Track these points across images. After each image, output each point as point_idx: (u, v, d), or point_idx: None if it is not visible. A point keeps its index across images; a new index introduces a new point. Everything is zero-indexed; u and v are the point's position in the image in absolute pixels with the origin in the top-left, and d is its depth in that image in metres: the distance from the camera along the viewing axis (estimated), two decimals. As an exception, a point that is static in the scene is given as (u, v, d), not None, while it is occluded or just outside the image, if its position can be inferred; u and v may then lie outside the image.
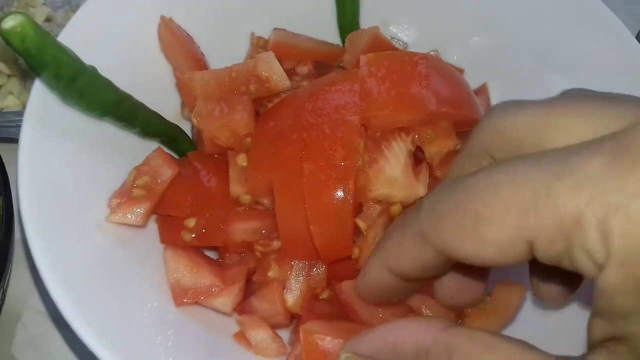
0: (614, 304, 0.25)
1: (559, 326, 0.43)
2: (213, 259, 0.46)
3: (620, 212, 0.23)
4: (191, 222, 0.44)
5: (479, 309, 0.43)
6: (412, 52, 0.46)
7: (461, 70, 0.54)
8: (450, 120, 0.44)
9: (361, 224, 0.41)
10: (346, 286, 0.41)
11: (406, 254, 0.33)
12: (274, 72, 0.46)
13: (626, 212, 0.23)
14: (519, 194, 0.26)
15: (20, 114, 0.45)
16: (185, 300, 0.42)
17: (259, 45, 0.52)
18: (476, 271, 0.37)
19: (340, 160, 0.41)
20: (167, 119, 0.48)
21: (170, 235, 0.44)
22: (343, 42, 0.55)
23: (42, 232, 0.38)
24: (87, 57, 0.40)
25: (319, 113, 0.43)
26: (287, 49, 0.51)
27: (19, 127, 0.40)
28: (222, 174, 0.45)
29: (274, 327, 0.42)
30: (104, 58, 0.43)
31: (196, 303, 0.43)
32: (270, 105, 0.47)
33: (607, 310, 0.26)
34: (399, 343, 0.31)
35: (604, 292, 0.25)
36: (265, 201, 0.44)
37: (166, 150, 0.47)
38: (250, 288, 0.45)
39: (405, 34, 0.57)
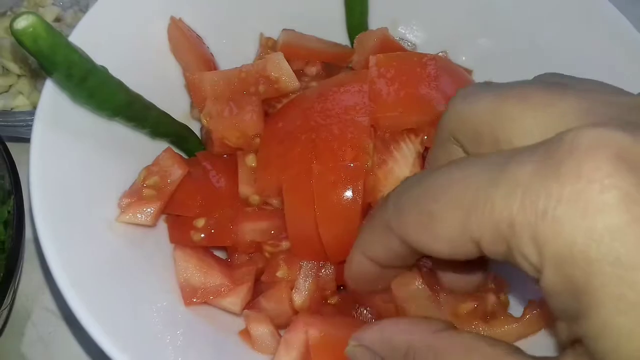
0: (558, 306, 0.26)
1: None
2: (222, 259, 0.46)
3: (547, 216, 0.24)
4: (200, 222, 0.44)
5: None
6: (421, 53, 0.46)
7: (469, 71, 0.54)
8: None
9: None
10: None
11: (377, 244, 0.34)
12: (283, 72, 0.46)
13: (552, 216, 0.24)
14: (464, 196, 0.27)
15: (31, 113, 0.45)
16: (194, 299, 0.42)
17: (268, 46, 0.52)
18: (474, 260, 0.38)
19: (350, 161, 0.41)
20: (177, 119, 0.48)
21: (180, 235, 0.45)
22: (352, 43, 0.55)
23: (54, 232, 0.38)
24: (98, 57, 0.40)
25: (328, 114, 0.43)
26: (296, 49, 0.51)
27: (29, 126, 0.41)
28: (231, 174, 0.45)
29: (280, 327, 0.43)
30: (114, 58, 0.43)
31: (205, 303, 0.43)
32: (279, 105, 0.47)
33: (557, 311, 0.26)
34: (394, 339, 0.33)
35: (547, 295, 0.26)
36: (274, 201, 0.44)
37: (176, 150, 0.47)
38: (258, 288, 0.45)
39: (414, 34, 0.57)
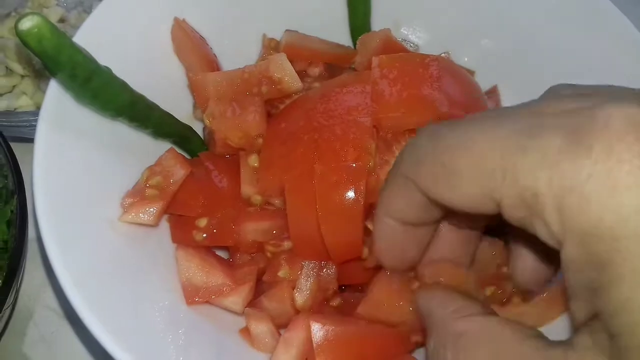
0: (576, 279, 0.26)
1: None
2: (224, 259, 0.46)
3: (575, 192, 0.25)
4: (203, 222, 0.44)
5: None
6: (424, 54, 0.46)
7: (472, 72, 0.54)
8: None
9: (371, 226, 0.41)
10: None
11: (399, 197, 0.34)
12: (285, 73, 0.46)
13: (580, 192, 0.25)
14: (488, 158, 0.28)
15: (34, 114, 0.46)
16: (196, 299, 0.43)
17: (271, 46, 0.53)
18: (546, 257, 0.38)
19: (352, 162, 0.41)
20: (180, 119, 0.48)
21: (182, 234, 0.45)
22: (354, 44, 0.55)
23: (57, 231, 0.38)
24: (101, 58, 0.40)
25: (330, 114, 0.43)
26: (298, 50, 0.51)
27: (32, 127, 0.41)
28: (233, 175, 0.46)
29: (281, 326, 0.43)
30: (118, 59, 0.43)
31: (207, 302, 0.43)
32: (282, 106, 0.48)
33: (575, 286, 0.27)
34: (433, 311, 0.35)
35: (567, 267, 0.27)
36: (276, 202, 0.44)
37: (178, 150, 0.47)
38: (260, 288, 0.45)
39: (417, 35, 0.57)
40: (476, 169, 0.28)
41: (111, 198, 0.43)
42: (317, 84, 0.49)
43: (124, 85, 0.42)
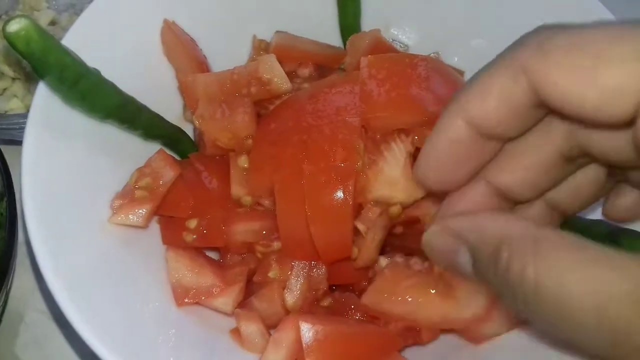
0: None
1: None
2: (214, 260, 0.46)
3: None
4: (193, 223, 0.44)
5: None
6: (412, 54, 0.46)
7: (462, 72, 0.54)
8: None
9: (360, 226, 0.41)
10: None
11: (494, 94, 0.29)
12: (275, 74, 0.46)
13: None
14: None
15: (24, 116, 0.45)
16: (186, 300, 0.43)
17: (260, 48, 0.53)
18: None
19: (340, 162, 0.41)
20: (170, 121, 0.48)
21: (172, 236, 0.45)
22: (345, 45, 0.55)
23: (45, 234, 0.38)
24: (91, 59, 0.40)
25: (319, 115, 0.43)
26: (288, 51, 0.51)
27: (23, 129, 0.41)
28: (223, 176, 0.46)
29: (272, 327, 0.43)
30: (108, 61, 0.44)
31: (197, 303, 0.43)
32: (271, 107, 0.48)
33: None
34: (488, 227, 0.29)
35: None
36: (266, 202, 0.44)
37: (168, 152, 0.47)
38: (251, 288, 0.45)
39: (407, 36, 0.57)
40: (633, 61, 0.25)
41: (101, 200, 0.43)
42: (306, 85, 0.49)
43: (112, 87, 0.42)
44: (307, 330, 0.39)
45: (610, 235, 0.42)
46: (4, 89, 0.61)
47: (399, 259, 0.43)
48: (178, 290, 0.43)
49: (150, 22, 0.49)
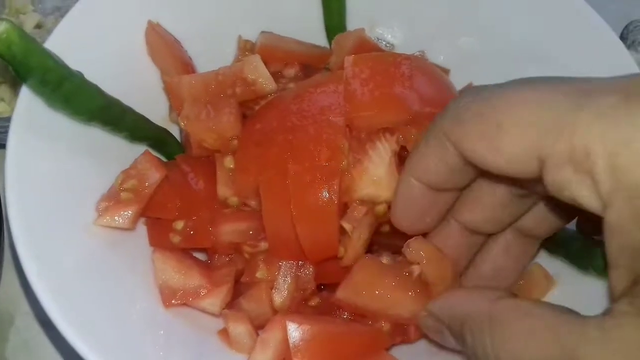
0: (621, 242, 0.26)
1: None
2: (202, 261, 0.46)
3: (631, 146, 0.25)
4: (179, 225, 0.44)
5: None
6: (396, 53, 0.46)
7: (447, 71, 0.54)
8: (434, 120, 0.44)
9: (346, 225, 0.41)
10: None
11: (431, 158, 0.35)
12: (259, 75, 0.46)
13: (635, 147, 0.25)
14: (542, 115, 0.28)
15: (9, 119, 0.45)
16: (174, 301, 0.43)
17: (246, 48, 0.53)
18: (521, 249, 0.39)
19: (325, 161, 0.41)
20: (156, 122, 0.48)
21: (159, 237, 0.45)
22: (330, 44, 0.55)
23: (30, 237, 0.38)
24: (75, 62, 0.40)
25: (304, 115, 0.43)
26: (274, 51, 0.51)
27: (7, 132, 0.41)
28: (209, 177, 0.46)
29: (260, 328, 0.43)
30: (92, 63, 0.44)
31: (185, 304, 0.43)
32: (257, 107, 0.48)
33: (616, 252, 0.27)
34: (454, 308, 0.34)
35: (611, 231, 0.26)
36: (253, 202, 0.45)
37: (154, 153, 0.47)
38: (239, 289, 0.45)
39: (392, 35, 0.57)
40: (528, 127, 0.28)
41: (86, 202, 0.43)
42: (292, 85, 0.49)
43: (96, 89, 0.42)
44: (294, 330, 0.39)
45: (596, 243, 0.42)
46: (-9, 93, 0.61)
47: (385, 257, 0.43)
48: (165, 291, 0.43)
49: (134, 23, 0.49)
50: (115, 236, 0.43)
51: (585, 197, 0.27)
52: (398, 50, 0.56)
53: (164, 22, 0.50)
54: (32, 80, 0.39)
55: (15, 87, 0.61)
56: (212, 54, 0.52)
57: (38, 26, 0.64)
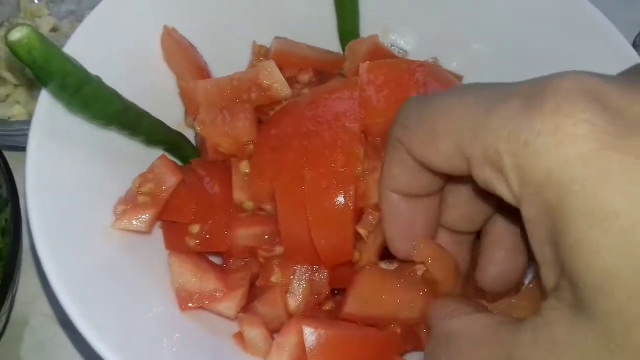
0: (539, 237, 0.28)
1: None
2: (217, 265, 0.47)
3: (529, 146, 0.27)
4: (195, 228, 0.45)
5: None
6: (410, 60, 0.46)
7: (460, 77, 0.55)
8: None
9: (361, 230, 0.42)
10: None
11: (393, 163, 0.38)
12: (275, 80, 0.47)
13: (533, 146, 0.27)
14: (462, 119, 0.31)
15: (27, 122, 0.46)
16: (190, 304, 0.43)
17: (260, 53, 0.53)
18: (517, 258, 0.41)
19: (341, 167, 0.41)
20: (171, 126, 0.49)
21: (175, 241, 0.45)
22: (344, 50, 0.55)
23: (50, 239, 0.38)
24: (92, 66, 0.41)
25: (319, 120, 0.44)
26: (288, 57, 0.52)
27: (26, 135, 0.41)
28: (225, 181, 0.46)
29: (275, 331, 0.43)
30: (109, 67, 0.44)
31: (201, 307, 0.44)
32: (272, 113, 0.48)
33: (539, 248, 0.29)
34: (431, 320, 0.38)
35: (528, 227, 0.29)
36: (268, 207, 0.45)
37: (170, 157, 0.48)
38: (254, 293, 0.45)
39: (405, 41, 0.58)
40: (453, 130, 0.32)
41: (104, 205, 0.43)
42: (306, 90, 0.49)
43: (114, 93, 0.42)
44: (310, 334, 0.40)
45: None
46: (7, 96, 0.62)
47: (383, 264, 0.43)
48: (182, 294, 0.43)
49: (150, 28, 0.50)
50: (132, 239, 0.44)
51: (505, 192, 0.30)
52: (411, 56, 0.56)
53: (179, 27, 0.51)
54: (52, 85, 0.39)
55: (30, 90, 0.61)
56: (226, 59, 0.53)
57: (53, 29, 0.65)
